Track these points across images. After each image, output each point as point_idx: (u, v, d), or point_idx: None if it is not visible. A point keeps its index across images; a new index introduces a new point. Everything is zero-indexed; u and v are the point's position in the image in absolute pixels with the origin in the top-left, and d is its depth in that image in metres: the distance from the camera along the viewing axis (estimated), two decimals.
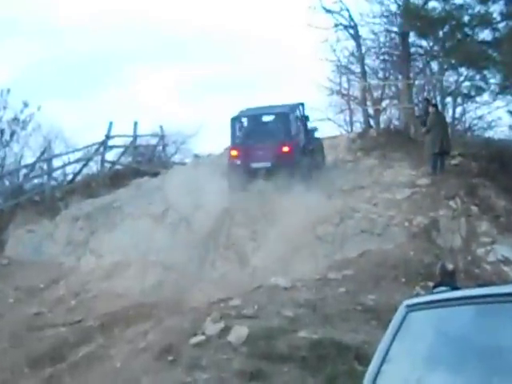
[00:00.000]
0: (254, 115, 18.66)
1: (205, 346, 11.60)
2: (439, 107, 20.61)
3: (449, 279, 8.93)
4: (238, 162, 17.65)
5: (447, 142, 17.99)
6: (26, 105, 23.79)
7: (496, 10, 21.63)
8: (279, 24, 53.98)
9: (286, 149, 17.55)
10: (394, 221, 15.95)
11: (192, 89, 52.71)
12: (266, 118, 18.90)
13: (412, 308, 4.39)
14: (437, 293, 7.40)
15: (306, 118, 19.69)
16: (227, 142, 19.72)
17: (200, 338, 12.02)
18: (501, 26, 21.84)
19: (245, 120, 18.70)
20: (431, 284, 12.77)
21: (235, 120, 18.37)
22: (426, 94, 27.89)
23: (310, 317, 12.30)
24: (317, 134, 20.64)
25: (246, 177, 17.31)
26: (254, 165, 17.46)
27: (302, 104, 19.94)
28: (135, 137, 25.23)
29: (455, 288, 8.01)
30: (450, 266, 10.14)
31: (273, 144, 17.55)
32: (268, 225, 16.72)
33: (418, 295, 12.80)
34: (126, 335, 13.34)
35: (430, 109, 18.54)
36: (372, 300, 12.84)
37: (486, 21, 21.59)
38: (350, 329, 11.90)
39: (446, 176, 17.73)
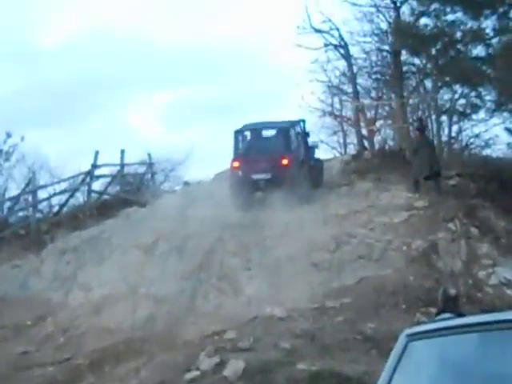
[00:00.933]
0: (256, 129, 19.93)
1: (200, 382, 11.54)
2: (426, 130, 20.97)
3: (452, 305, 8.91)
4: (240, 173, 18.72)
5: (436, 164, 18.28)
6: (8, 135, 23.96)
7: (489, 25, 21.77)
8: (268, 45, 54.35)
9: (285, 161, 18.64)
10: (392, 245, 15.95)
11: (180, 114, 52.89)
12: (268, 132, 20.15)
13: (413, 337, 4.37)
14: (439, 320, 7.40)
15: (306, 134, 21.00)
16: (218, 168, 21.50)
17: (194, 373, 11.95)
18: (494, 41, 21.98)
19: (247, 133, 19.86)
20: (433, 310, 12.78)
21: (238, 133, 19.54)
22: (420, 112, 28.08)
23: (307, 348, 12.25)
24: (317, 151, 22.18)
25: (247, 187, 18.43)
26: (255, 176, 18.52)
27: (303, 120, 21.51)
28: (122, 165, 25.28)
29: (459, 314, 8.00)
30: (453, 292, 10.14)
31: (273, 157, 18.70)
32: (261, 253, 16.70)
33: (419, 322, 12.80)
34: (117, 372, 13.25)
35: (416, 133, 18.79)
36: (372, 328, 12.80)
37: (478, 37, 21.73)
38: (350, 359, 11.85)
39: (444, 197, 17.77)
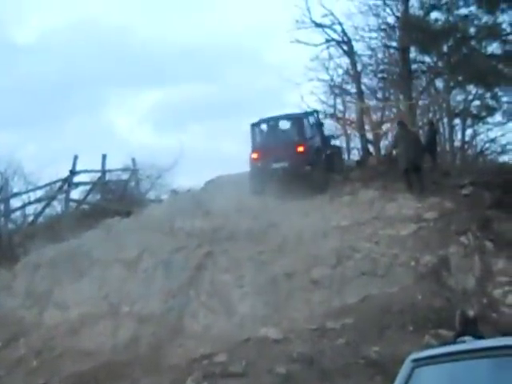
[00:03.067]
0: (272, 121, 22.36)
1: None
2: (407, 124, 21.92)
3: (471, 328, 8.86)
4: (259, 164, 20.93)
5: (417, 158, 19.20)
6: None
7: (505, 20, 21.85)
8: (265, 41, 54.47)
9: (300, 149, 21.00)
10: (399, 260, 15.95)
11: (169, 115, 52.96)
12: (283, 124, 22.45)
13: (419, 363, 4.39)
14: (446, 344, 7.40)
15: (320, 125, 23.56)
16: (209, 175, 22.56)
17: None
18: (511, 37, 22.05)
19: (264, 126, 22.28)
20: (443, 332, 12.79)
21: (255, 126, 21.89)
22: (430, 115, 28.13)
23: (305, 373, 12.25)
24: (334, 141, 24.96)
25: (267, 177, 20.37)
26: (274, 165, 20.67)
27: (317, 111, 24.87)
28: (104, 172, 25.28)
29: (479, 337, 7.99)
30: (471, 313, 10.14)
31: (289, 146, 21.08)
32: (256, 268, 16.68)
33: (428, 346, 12.79)
34: None
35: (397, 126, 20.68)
36: (376, 352, 12.80)
37: (494, 33, 21.79)
38: None
39: (456, 208, 17.78)
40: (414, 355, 4.68)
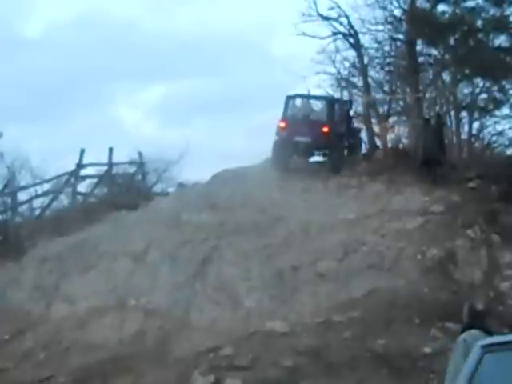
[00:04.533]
0: (306, 97, 23.78)
1: None
2: (430, 120, 22.76)
3: (479, 321, 8.79)
4: (285, 134, 22.16)
5: (433, 152, 19.64)
6: None
7: None
8: (271, 34, 54.33)
9: (325, 129, 22.20)
10: (405, 254, 15.93)
11: (175, 109, 52.82)
12: (316, 102, 24.10)
13: (490, 349, 4.33)
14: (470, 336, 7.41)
15: (349, 115, 24.68)
16: (216, 168, 22.87)
17: None
18: None
19: (298, 100, 23.45)
20: (449, 325, 12.79)
21: (289, 98, 22.96)
22: (437, 108, 28.03)
23: (311, 366, 12.26)
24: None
25: (289, 148, 21.80)
26: (297, 138, 21.90)
27: (350, 101, 25.93)
28: (111, 165, 25.26)
29: (487, 332, 7.97)
30: (480, 307, 10.11)
31: (315, 124, 22.44)
32: (262, 262, 16.69)
33: (434, 339, 12.81)
34: None
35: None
36: (382, 345, 12.80)
37: (501, 25, 21.70)
38: (358, 379, 11.87)
39: (463, 201, 17.75)
40: (484, 341, 4.64)
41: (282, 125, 22.48)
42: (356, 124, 26.11)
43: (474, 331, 7.95)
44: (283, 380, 11.86)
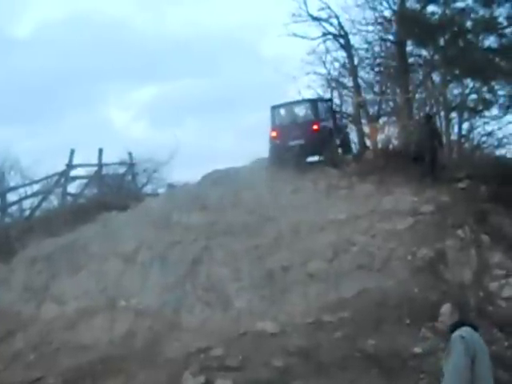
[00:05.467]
0: (289, 104, 24.35)
1: None
2: (431, 118, 22.74)
3: (468, 318, 8.75)
4: (278, 142, 23.00)
5: (425, 149, 19.86)
6: None
7: (502, 13, 21.80)
8: (261, 35, 54.41)
9: (315, 127, 23.07)
10: (395, 254, 15.95)
11: (165, 110, 52.92)
12: (300, 106, 24.45)
13: None
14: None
15: (333, 112, 25.59)
16: (206, 169, 23.02)
17: None
18: (507, 31, 22.00)
19: (282, 108, 24.07)
20: (439, 325, 12.78)
21: (274, 109, 23.72)
22: (427, 108, 28.10)
23: (302, 366, 12.27)
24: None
25: (285, 153, 22.15)
26: (291, 143, 22.64)
27: (331, 100, 26.93)
28: (101, 166, 25.25)
29: (475, 328, 7.93)
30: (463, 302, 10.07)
31: (305, 125, 23.20)
32: (252, 262, 16.69)
33: (424, 338, 12.84)
34: None
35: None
36: (372, 345, 12.82)
37: (491, 26, 21.74)
38: (349, 379, 11.88)
39: (453, 202, 17.79)
40: None
41: (274, 134, 23.29)
42: (341, 121, 27.04)
43: (465, 328, 7.89)
44: (274, 380, 11.87)
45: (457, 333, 7.71)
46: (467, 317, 8.50)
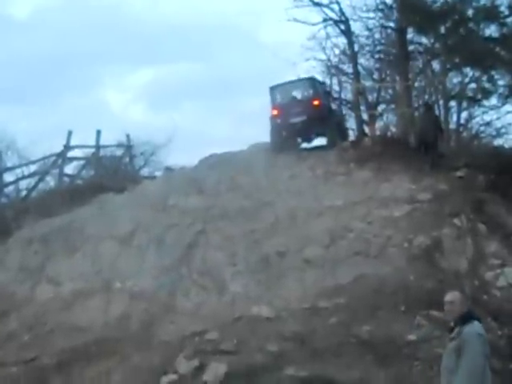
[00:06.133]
0: (288, 83, 24.58)
1: None
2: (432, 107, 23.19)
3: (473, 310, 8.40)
4: (279, 120, 23.14)
5: (429, 137, 20.05)
6: None
7: (503, 2, 21.74)
8: (261, 19, 54.26)
9: (316, 102, 23.34)
10: (392, 241, 15.96)
11: (163, 93, 52.86)
12: (298, 84, 24.71)
13: None
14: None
15: (328, 94, 26.28)
16: (203, 153, 23.55)
17: (172, 377, 12.00)
18: (508, 20, 21.94)
19: (281, 87, 24.17)
20: (434, 313, 12.82)
21: (273, 89, 23.98)
22: (427, 97, 28.07)
23: (297, 352, 12.27)
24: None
25: (286, 131, 22.88)
26: (292, 120, 22.89)
27: (324, 83, 27.41)
28: (98, 147, 25.21)
29: (479, 320, 7.79)
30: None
31: (304, 102, 23.55)
32: (248, 247, 16.69)
33: (419, 326, 12.85)
34: (87, 375, 13.24)
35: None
36: (368, 331, 12.81)
37: (492, 15, 21.67)
38: (344, 364, 11.87)
39: (450, 190, 17.79)
40: None
41: (275, 112, 23.36)
42: (339, 107, 27.91)
43: (476, 322, 7.72)
44: (268, 365, 11.85)
45: (471, 329, 7.54)
46: (470, 307, 8.33)
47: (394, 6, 24.99)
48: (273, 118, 23.52)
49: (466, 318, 7.65)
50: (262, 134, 22.97)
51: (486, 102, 27.30)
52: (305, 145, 24.44)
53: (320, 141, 24.38)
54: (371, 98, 29.11)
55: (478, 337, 7.49)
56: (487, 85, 25.09)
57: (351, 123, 28.05)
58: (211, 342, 12.87)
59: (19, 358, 14.59)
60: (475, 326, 7.60)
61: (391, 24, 25.90)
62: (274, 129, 23.26)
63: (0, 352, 15.17)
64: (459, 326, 7.60)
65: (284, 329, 13.09)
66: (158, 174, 26.65)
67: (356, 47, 26.90)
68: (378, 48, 28.03)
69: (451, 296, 7.88)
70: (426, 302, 13.40)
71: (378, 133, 25.78)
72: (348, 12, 25.98)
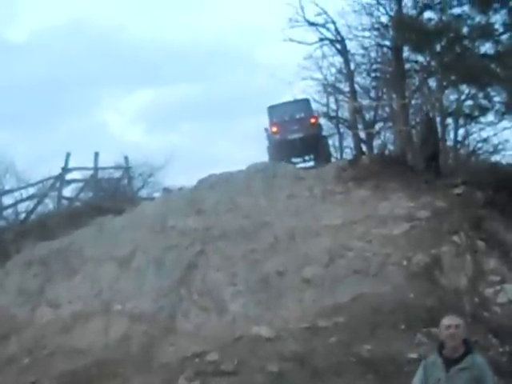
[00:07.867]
0: (286, 103, 26.57)
1: None
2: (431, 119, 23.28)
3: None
4: (278, 136, 24.90)
5: (425, 149, 20.72)
6: None
7: (498, 20, 21.84)
8: (257, 40, 54.50)
9: (313, 120, 25.44)
10: (391, 259, 15.95)
11: (161, 115, 52.97)
12: (294, 104, 26.48)
13: None
14: None
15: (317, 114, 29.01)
16: (202, 173, 23.12)
17: None
18: (503, 37, 22.05)
19: (279, 107, 25.92)
20: (434, 331, 12.76)
21: (271, 108, 25.78)
22: (424, 114, 28.14)
23: (297, 372, 12.25)
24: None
25: (285, 147, 24.35)
26: (290, 137, 24.66)
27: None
28: (96, 169, 25.24)
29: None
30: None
31: (303, 120, 25.35)
32: (248, 267, 16.68)
33: (419, 344, 12.83)
34: None
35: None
36: (368, 350, 12.80)
37: (487, 32, 21.77)
38: None
39: (449, 207, 17.79)
40: None
41: (274, 129, 25.18)
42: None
43: (475, 350, 7.59)
44: None
45: (482, 359, 7.38)
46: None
47: (390, 24, 25.15)
48: (272, 134, 25.13)
49: (470, 345, 7.47)
50: (260, 154, 23.23)
51: (482, 119, 27.43)
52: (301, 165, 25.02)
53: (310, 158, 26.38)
54: (368, 116, 29.25)
55: (488, 365, 7.38)
56: (483, 102, 25.17)
57: (349, 142, 28.16)
58: (212, 363, 12.85)
59: (19, 382, 14.54)
60: (480, 355, 7.47)
61: (387, 42, 26.10)
62: (273, 144, 24.79)
63: (0, 376, 15.12)
64: (470, 355, 7.32)
65: (284, 349, 13.07)
66: (156, 195, 26.69)
67: (352, 66, 27.11)
68: (374, 66, 28.23)
69: (457, 320, 7.44)
70: (426, 319, 13.38)
71: (375, 151, 25.88)
72: (344, 31, 26.22)
